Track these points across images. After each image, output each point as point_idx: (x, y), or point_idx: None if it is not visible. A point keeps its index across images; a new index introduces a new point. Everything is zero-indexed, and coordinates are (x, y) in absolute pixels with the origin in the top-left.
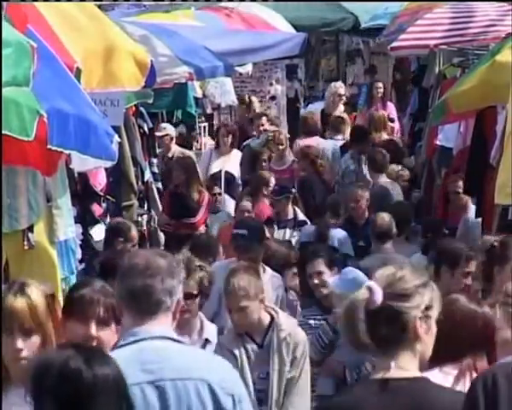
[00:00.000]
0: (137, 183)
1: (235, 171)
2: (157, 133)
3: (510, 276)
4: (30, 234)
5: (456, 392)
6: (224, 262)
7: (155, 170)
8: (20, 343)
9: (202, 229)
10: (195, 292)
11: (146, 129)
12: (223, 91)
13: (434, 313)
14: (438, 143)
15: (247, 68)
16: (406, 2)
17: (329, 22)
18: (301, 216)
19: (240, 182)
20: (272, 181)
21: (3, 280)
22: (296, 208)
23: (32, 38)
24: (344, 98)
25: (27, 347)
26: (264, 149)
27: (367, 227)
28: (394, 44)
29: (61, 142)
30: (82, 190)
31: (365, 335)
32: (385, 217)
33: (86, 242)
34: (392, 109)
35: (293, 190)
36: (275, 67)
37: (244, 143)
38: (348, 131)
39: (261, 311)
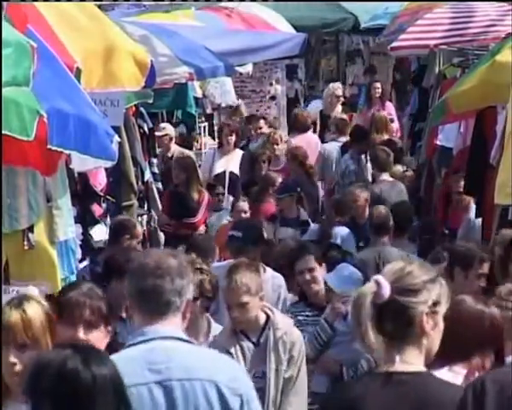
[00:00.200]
0: (137, 183)
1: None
2: (157, 133)
3: None
4: (30, 234)
5: (460, 387)
6: (223, 264)
7: (155, 170)
8: (12, 357)
9: (202, 229)
10: (195, 296)
11: (146, 129)
12: (223, 91)
13: (442, 309)
14: (438, 143)
15: (248, 68)
16: (406, 2)
17: (329, 22)
18: (304, 216)
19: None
20: (279, 182)
21: (3, 280)
22: (300, 208)
23: (32, 38)
24: (342, 99)
25: (21, 361)
26: (263, 152)
27: (367, 227)
28: (394, 44)
29: (61, 142)
30: (82, 190)
31: (373, 329)
32: (382, 210)
33: (86, 242)
34: (391, 109)
35: (298, 189)
36: (275, 67)
37: (242, 145)
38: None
39: (259, 309)
